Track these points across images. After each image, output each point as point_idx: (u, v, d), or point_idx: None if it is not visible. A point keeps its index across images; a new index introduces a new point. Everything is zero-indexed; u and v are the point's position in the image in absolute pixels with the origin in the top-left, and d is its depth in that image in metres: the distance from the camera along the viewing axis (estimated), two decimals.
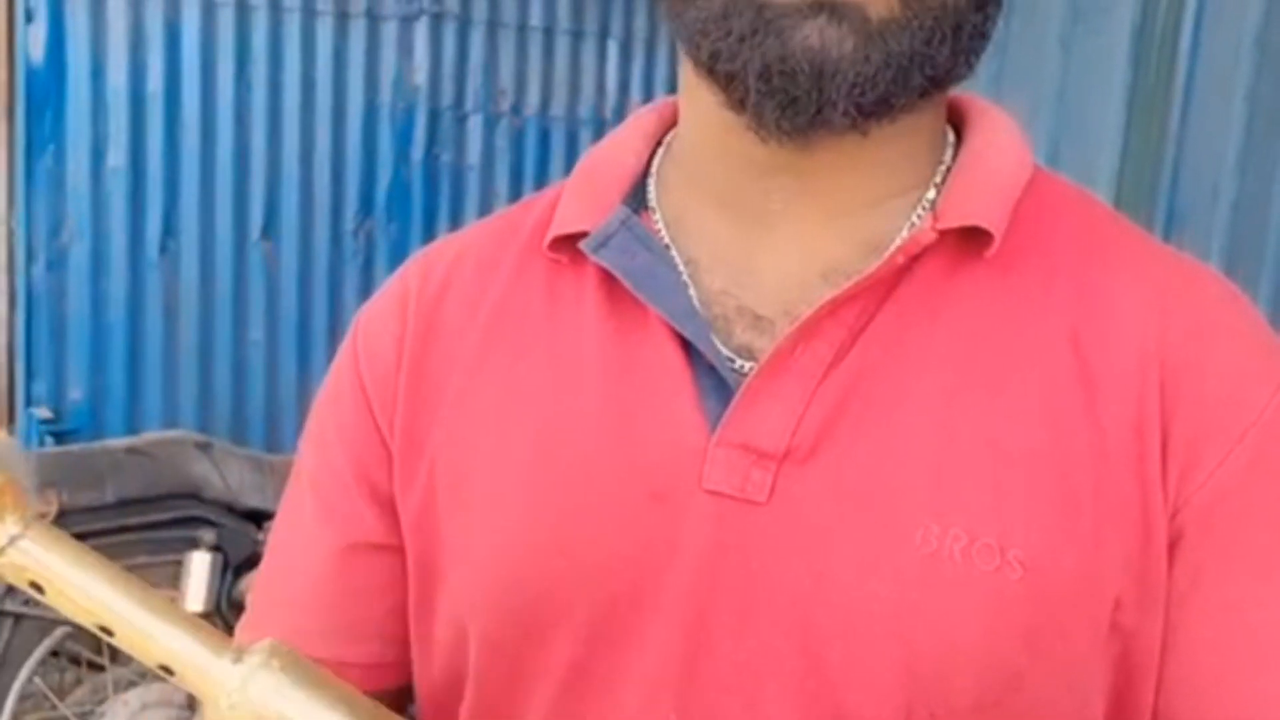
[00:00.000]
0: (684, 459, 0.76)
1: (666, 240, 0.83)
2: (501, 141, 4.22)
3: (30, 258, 3.84)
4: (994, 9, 0.78)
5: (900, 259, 0.76)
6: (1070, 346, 0.76)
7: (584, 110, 4.23)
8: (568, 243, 0.83)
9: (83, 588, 0.69)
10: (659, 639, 0.76)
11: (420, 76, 4.11)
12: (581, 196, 0.85)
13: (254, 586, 0.94)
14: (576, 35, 4.19)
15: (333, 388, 0.91)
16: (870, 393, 0.75)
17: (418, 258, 0.92)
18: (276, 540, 0.93)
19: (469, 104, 4.17)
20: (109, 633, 0.69)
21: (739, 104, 0.75)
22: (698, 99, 0.80)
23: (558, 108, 4.24)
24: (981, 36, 0.78)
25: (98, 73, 3.80)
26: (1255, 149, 4.36)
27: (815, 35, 0.71)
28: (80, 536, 0.68)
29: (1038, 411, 0.74)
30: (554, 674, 0.79)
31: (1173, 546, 0.74)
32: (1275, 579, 0.74)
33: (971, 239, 0.77)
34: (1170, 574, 0.74)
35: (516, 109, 4.22)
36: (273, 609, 0.91)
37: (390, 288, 0.91)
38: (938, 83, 0.77)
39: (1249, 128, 4.33)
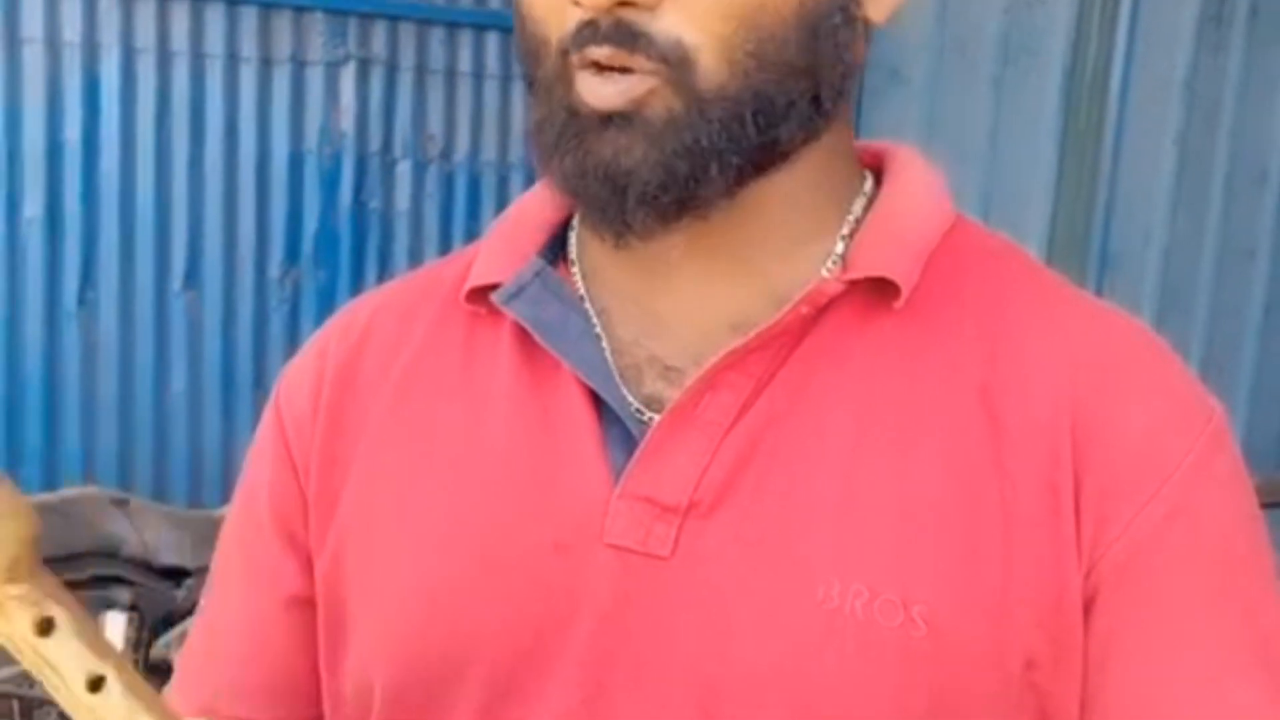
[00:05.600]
0: (587, 512, 0.75)
1: (581, 291, 0.83)
2: (431, 187, 4.17)
3: None
4: (834, 71, 0.76)
5: (804, 309, 0.75)
6: (979, 400, 0.74)
7: (514, 155, 4.19)
8: (484, 295, 0.82)
9: None
10: (557, 698, 0.75)
11: (347, 122, 4.06)
12: (499, 248, 0.85)
13: (184, 648, 0.95)
14: (505, 80, 4.16)
15: (258, 447, 0.91)
16: (775, 445, 0.74)
17: (342, 312, 0.92)
18: (207, 600, 0.93)
19: (397, 150, 4.12)
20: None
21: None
22: None
23: (488, 153, 4.20)
24: (815, 100, 0.75)
25: (13, 121, 3.72)
26: (1187, 191, 4.41)
27: (608, 147, 0.72)
28: None
29: (944, 466, 0.73)
30: None
31: (1089, 605, 0.72)
32: (1194, 642, 0.72)
33: (881, 290, 0.76)
34: (1087, 634, 0.72)
35: (446, 154, 4.17)
36: (200, 669, 0.92)
37: (312, 343, 0.91)
38: (765, 158, 0.75)
39: (1180, 170, 4.38)
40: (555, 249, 0.86)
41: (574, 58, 0.72)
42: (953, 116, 4.15)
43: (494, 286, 0.82)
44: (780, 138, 0.75)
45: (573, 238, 0.86)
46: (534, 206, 0.88)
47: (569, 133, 0.73)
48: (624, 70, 0.71)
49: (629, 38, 0.71)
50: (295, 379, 0.90)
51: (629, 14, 0.70)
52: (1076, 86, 4.28)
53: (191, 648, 0.94)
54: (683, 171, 0.72)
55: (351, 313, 0.91)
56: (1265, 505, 0.79)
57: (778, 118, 0.74)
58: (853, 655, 0.71)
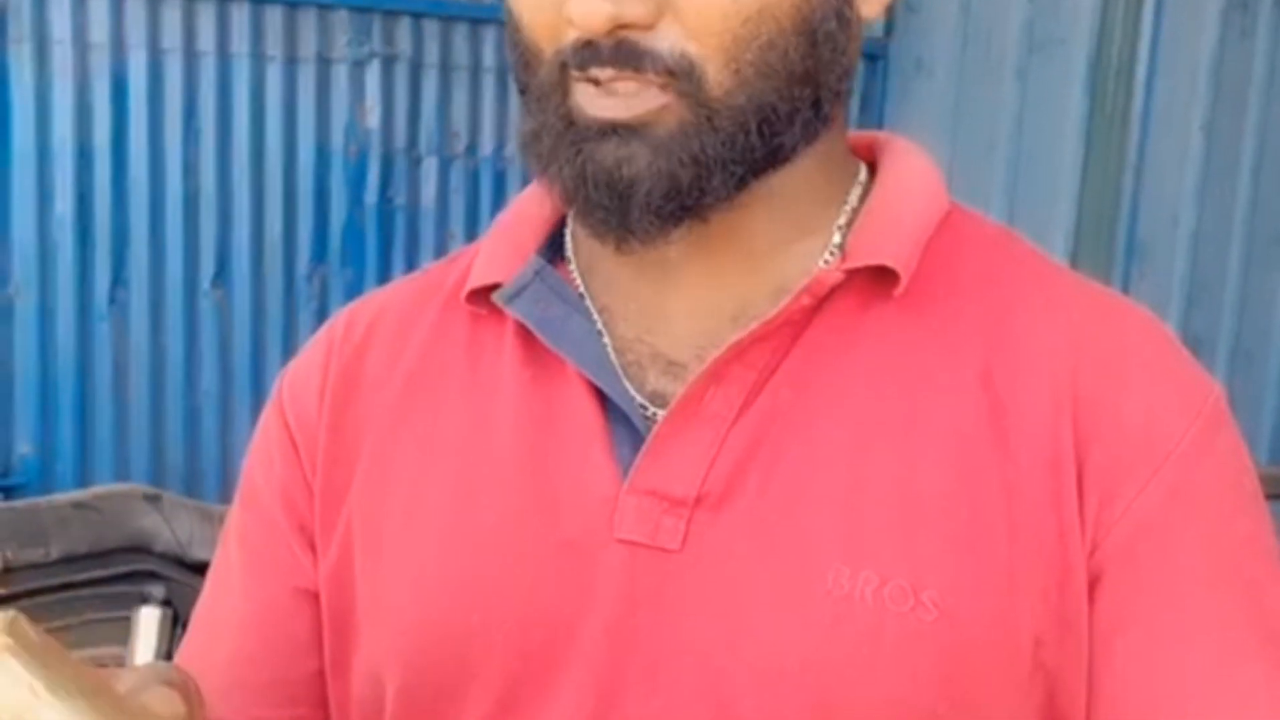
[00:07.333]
0: (596, 508, 0.76)
1: (581, 289, 0.83)
2: (457, 183, 4.18)
3: None
4: (832, 74, 0.77)
5: (805, 300, 0.76)
6: (981, 384, 0.75)
7: None
8: (485, 295, 0.82)
9: None
10: (572, 694, 0.75)
11: (373, 120, 4.06)
12: (498, 248, 0.85)
13: (179, 649, 0.91)
14: None
15: (260, 445, 0.91)
16: (781, 435, 0.75)
17: (343, 312, 0.92)
18: (203, 601, 0.92)
19: (423, 146, 4.12)
20: None
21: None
22: None
23: (513, 149, 4.20)
24: (816, 104, 0.76)
25: (42, 121, 3.74)
26: (1213, 177, 4.38)
27: (609, 155, 0.72)
28: (25, 594, 0.62)
29: (948, 450, 0.74)
30: None
31: (1094, 584, 0.73)
32: (1198, 621, 0.73)
33: (881, 279, 0.77)
34: (1093, 613, 0.73)
35: (471, 150, 4.17)
36: (198, 669, 0.84)
37: (315, 342, 0.91)
38: (767, 164, 0.76)
39: (1207, 156, 4.36)
40: (553, 247, 0.86)
41: (573, 72, 0.73)
42: (978, 106, 4.14)
43: (495, 286, 0.82)
44: (784, 144, 0.76)
45: (569, 236, 0.87)
46: (532, 205, 0.88)
47: (566, 141, 0.74)
48: (630, 81, 0.72)
49: (632, 58, 0.71)
50: (299, 377, 0.90)
51: (630, 34, 0.71)
52: (1102, 74, 4.26)
53: (187, 648, 0.91)
54: (687, 180, 0.73)
55: (353, 313, 0.92)
56: None
57: (781, 126, 0.75)
58: (864, 642, 0.71)
